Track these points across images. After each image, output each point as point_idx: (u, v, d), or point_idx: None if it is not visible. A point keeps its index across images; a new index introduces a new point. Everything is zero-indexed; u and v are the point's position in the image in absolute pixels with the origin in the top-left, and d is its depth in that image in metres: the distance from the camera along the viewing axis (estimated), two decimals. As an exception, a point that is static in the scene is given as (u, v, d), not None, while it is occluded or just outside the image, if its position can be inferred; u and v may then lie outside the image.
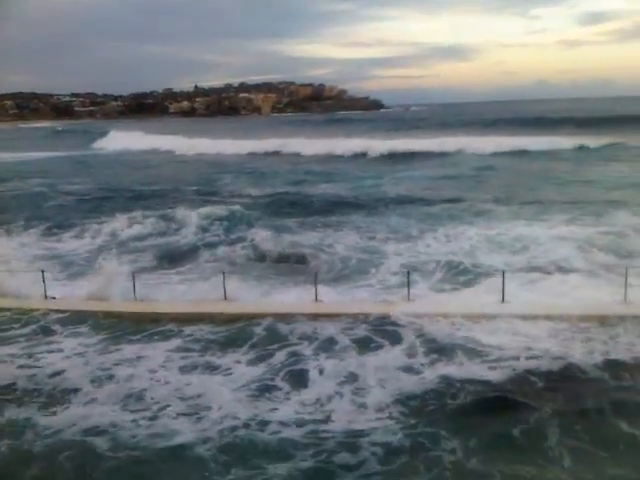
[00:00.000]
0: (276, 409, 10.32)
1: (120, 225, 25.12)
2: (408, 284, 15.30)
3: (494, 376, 11.11)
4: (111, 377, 11.69)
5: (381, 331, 13.44)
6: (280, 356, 12.45)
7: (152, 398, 10.77)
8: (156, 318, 14.73)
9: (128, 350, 13.03)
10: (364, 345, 12.85)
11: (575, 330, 13.05)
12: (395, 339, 13.02)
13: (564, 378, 11.02)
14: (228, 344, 13.18)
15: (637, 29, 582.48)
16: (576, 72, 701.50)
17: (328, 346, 12.76)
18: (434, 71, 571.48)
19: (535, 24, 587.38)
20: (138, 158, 63.88)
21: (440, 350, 12.39)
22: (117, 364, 12.34)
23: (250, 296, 15.90)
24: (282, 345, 12.96)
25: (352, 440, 9.26)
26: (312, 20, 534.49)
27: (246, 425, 9.77)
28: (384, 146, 55.06)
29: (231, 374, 11.76)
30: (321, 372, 11.63)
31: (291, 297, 15.94)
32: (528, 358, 11.78)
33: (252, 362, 12.26)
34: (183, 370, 11.97)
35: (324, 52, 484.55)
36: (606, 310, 13.96)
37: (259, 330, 13.67)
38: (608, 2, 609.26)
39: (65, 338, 13.79)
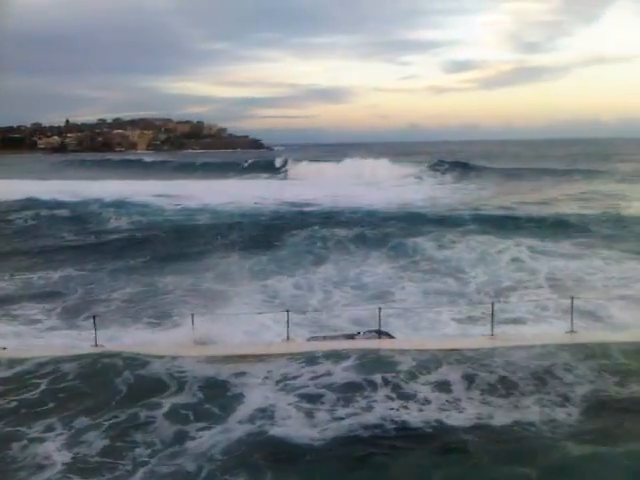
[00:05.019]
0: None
1: None
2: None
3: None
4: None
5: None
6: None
7: None
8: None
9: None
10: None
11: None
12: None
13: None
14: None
15: (498, 77, 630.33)
16: (444, 117, 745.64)
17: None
18: (311, 112, 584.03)
19: (405, 70, 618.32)
20: None
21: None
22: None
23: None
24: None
25: None
26: (190, 58, 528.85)
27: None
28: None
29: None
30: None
31: None
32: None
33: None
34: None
35: (202, 90, 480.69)
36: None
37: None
38: (470, 52, 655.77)
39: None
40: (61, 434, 10.44)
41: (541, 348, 13.61)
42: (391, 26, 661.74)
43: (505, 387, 11.91)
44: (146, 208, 47.14)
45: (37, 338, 17.28)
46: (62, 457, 9.71)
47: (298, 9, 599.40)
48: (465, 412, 10.95)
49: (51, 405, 11.60)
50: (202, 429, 10.51)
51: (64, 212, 44.39)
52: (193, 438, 10.22)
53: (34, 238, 35.59)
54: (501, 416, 10.75)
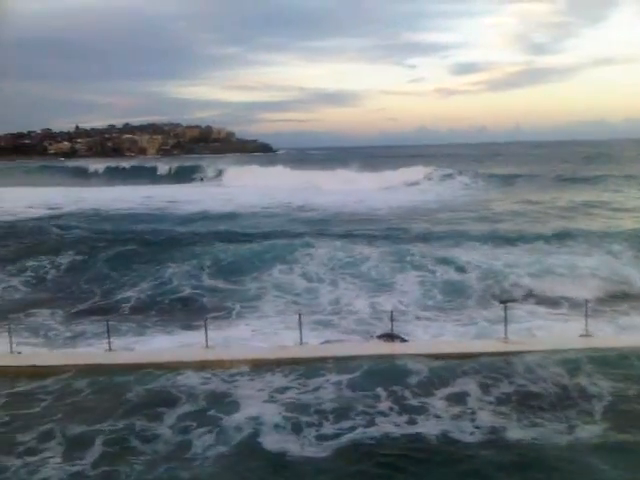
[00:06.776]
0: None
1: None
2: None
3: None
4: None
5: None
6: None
7: None
8: None
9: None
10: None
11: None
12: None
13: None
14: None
15: (505, 79, 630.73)
16: (452, 120, 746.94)
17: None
18: (319, 116, 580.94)
19: (413, 73, 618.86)
20: None
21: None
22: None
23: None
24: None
25: None
26: (199, 63, 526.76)
27: None
28: None
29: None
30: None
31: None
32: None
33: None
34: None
35: (211, 94, 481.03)
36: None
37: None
38: (477, 54, 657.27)
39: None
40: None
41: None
42: (397, 29, 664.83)
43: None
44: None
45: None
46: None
47: (304, 13, 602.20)
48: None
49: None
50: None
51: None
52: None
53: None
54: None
